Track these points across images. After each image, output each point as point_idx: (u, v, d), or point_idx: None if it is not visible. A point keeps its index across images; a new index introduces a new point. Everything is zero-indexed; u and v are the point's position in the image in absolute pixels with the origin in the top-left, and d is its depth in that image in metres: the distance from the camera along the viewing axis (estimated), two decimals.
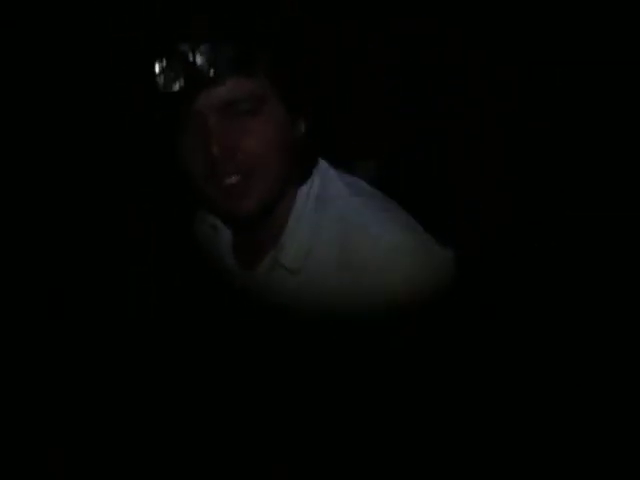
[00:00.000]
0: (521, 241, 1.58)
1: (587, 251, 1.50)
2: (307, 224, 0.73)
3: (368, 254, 0.67)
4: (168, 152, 0.70)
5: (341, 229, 0.71)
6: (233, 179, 0.66)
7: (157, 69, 0.56)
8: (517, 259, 1.56)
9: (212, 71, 0.59)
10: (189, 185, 0.71)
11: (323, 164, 0.78)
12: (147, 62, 0.56)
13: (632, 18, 1.49)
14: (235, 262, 0.82)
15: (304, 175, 0.75)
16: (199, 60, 0.58)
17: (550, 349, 1.37)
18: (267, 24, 0.63)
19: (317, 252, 0.72)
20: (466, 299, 0.71)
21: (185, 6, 0.57)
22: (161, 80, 0.58)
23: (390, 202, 0.76)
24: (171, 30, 0.58)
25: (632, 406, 1.27)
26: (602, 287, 1.42)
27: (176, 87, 0.58)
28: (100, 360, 1.30)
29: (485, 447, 0.68)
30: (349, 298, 0.68)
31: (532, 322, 1.41)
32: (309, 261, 0.72)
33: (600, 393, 1.21)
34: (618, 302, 1.39)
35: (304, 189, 0.75)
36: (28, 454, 1.09)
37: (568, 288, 1.47)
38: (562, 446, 1.11)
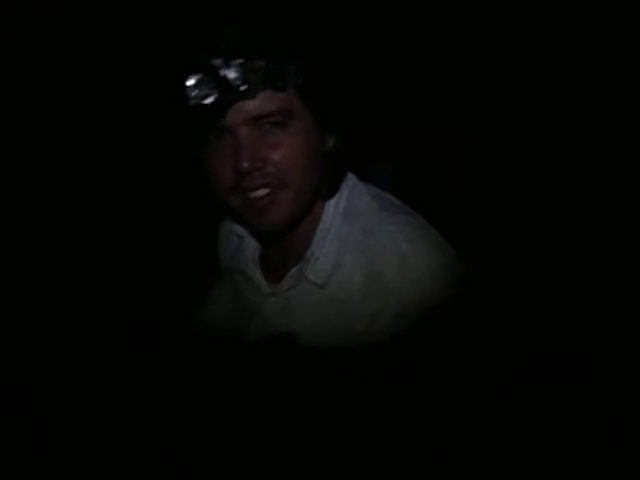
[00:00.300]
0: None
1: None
2: (334, 238, 0.73)
3: (395, 273, 0.67)
4: (192, 165, 0.70)
5: (368, 245, 0.70)
6: (260, 192, 0.66)
7: (189, 82, 0.56)
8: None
9: (244, 86, 0.59)
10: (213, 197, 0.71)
11: (351, 178, 0.77)
12: (179, 76, 0.56)
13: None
14: (261, 273, 0.82)
15: (332, 189, 0.74)
16: (231, 75, 0.58)
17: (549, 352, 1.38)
18: (298, 39, 0.63)
19: (343, 267, 0.72)
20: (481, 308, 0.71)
21: (218, 21, 0.57)
22: (193, 94, 0.57)
23: (417, 217, 0.75)
24: (204, 45, 0.58)
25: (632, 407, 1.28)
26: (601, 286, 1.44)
27: (208, 101, 0.57)
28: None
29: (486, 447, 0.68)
30: (374, 315, 0.68)
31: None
32: (335, 276, 0.72)
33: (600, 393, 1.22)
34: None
35: (332, 203, 0.75)
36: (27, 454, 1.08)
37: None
38: (562, 446, 1.12)
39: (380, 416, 0.69)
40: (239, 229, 0.86)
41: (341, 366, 0.70)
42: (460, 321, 0.69)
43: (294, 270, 0.76)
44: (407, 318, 0.66)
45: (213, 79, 0.56)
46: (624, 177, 1.52)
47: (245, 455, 0.77)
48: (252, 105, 0.62)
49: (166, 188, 1.74)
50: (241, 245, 0.86)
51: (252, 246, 0.85)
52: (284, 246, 0.79)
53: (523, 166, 1.75)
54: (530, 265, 1.59)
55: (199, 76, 0.56)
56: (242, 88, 0.59)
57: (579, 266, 1.55)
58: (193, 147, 0.67)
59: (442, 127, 1.79)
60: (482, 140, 1.82)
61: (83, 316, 1.49)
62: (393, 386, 0.69)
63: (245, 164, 0.63)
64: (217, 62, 0.57)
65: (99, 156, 1.78)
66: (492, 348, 0.71)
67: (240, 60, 0.58)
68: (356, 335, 0.69)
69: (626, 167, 1.54)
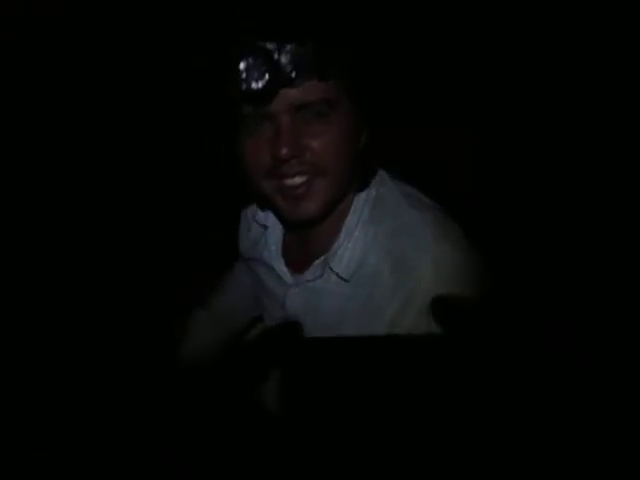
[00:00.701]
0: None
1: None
2: (362, 233, 0.74)
3: (424, 270, 0.67)
4: (224, 149, 0.70)
5: (396, 242, 0.71)
6: (297, 180, 0.67)
7: (242, 66, 0.56)
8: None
9: (294, 72, 0.59)
10: (242, 183, 0.71)
11: (382, 174, 0.78)
12: (231, 59, 0.56)
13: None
14: (284, 263, 0.82)
15: (363, 183, 0.75)
16: (283, 59, 0.58)
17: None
18: (348, 31, 0.63)
19: (369, 262, 0.72)
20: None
21: (271, 6, 0.58)
22: (244, 77, 0.58)
23: (445, 215, 0.76)
24: (256, 28, 0.58)
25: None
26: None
27: (258, 85, 0.58)
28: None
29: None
30: (400, 310, 0.68)
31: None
32: (361, 270, 0.72)
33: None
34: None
35: (361, 197, 0.75)
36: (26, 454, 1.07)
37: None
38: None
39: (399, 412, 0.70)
40: (262, 218, 0.86)
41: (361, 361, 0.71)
42: (485, 318, 0.70)
43: (319, 261, 0.76)
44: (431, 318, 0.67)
45: (266, 62, 0.57)
46: (625, 176, 1.56)
47: (251, 453, 0.77)
48: (296, 93, 0.62)
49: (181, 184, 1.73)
50: (264, 235, 0.86)
51: (276, 236, 0.85)
52: (310, 237, 0.79)
53: (523, 166, 1.78)
54: (530, 265, 1.61)
55: (253, 59, 0.56)
56: (292, 74, 0.59)
57: (580, 267, 1.58)
58: (230, 133, 0.68)
59: (442, 127, 1.82)
60: (482, 140, 1.85)
61: (82, 312, 1.47)
62: (418, 381, 0.70)
63: (284, 151, 0.63)
64: (271, 46, 0.57)
65: (99, 159, 1.77)
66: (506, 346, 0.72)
67: (292, 46, 0.59)
68: (380, 331, 0.69)
69: (626, 166, 1.58)
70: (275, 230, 0.85)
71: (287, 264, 0.83)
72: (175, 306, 1.20)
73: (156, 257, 1.71)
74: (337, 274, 0.74)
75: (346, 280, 0.73)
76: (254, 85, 0.58)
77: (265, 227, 0.85)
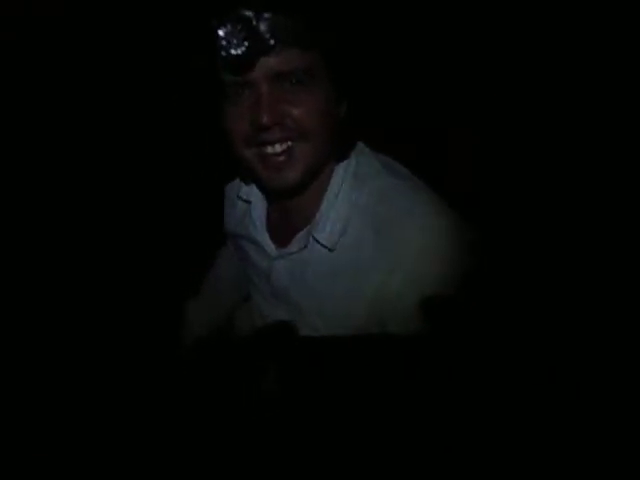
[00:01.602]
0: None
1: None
2: (343, 202, 0.74)
3: (406, 237, 0.67)
4: (205, 118, 0.69)
5: (378, 210, 0.71)
6: (278, 147, 0.67)
7: (221, 32, 0.56)
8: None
9: (272, 40, 0.59)
10: (225, 153, 0.70)
11: (361, 145, 0.78)
12: (211, 25, 0.55)
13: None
14: (268, 237, 0.82)
15: (343, 154, 0.75)
16: (262, 27, 0.58)
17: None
18: (330, 4, 0.63)
19: (353, 231, 0.72)
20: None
21: None
22: (223, 43, 0.57)
23: (423, 185, 0.76)
24: None
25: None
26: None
27: (237, 52, 0.57)
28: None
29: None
30: (385, 278, 0.67)
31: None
32: (345, 239, 0.72)
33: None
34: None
35: (341, 166, 0.75)
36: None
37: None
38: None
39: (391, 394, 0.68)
40: (246, 193, 0.87)
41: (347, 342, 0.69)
42: (472, 284, 0.68)
43: (303, 232, 0.76)
44: (418, 282, 0.66)
45: (245, 29, 0.56)
46: (625, 175, 1.54)
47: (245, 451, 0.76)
48: (276, 61, 0.62)
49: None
50: (248, 209, 0.86)
51: (259, 209, 0.85)
52: (292, 208, 0.79)
53: (524, 166, 1.76)
54: (530, 264, 1.59)
55: (232, 26, 0.56)
56: (271, 42, 0.59)
57: (580, 267, 1.56)
58: (211, 101, 0.67)
59: (442, 127, 1.81)
60: (482, 140, 1.84)
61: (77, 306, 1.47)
62: (404, 356, 0.68)
63: (265, 118, 0.63)
64: (250, 13, 0.57)
65: (98, 157, 1.78)
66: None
67: (271, 14, 0.58)
68: (366, 298, 0.69)
69: (626, 164, 1.56)
70: (258, 204, 0.85)
71: (272, 238, 0.83)
72: (174, 298, 1.20)
73: (153, 248, 1.71)
74: (321, 244, 0.74)
75: (330, 249, 0.73)
76: (233, 52, 0.58)
77: (249, 202, 0.85)
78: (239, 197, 0.88)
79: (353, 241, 0.72)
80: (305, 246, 0.76)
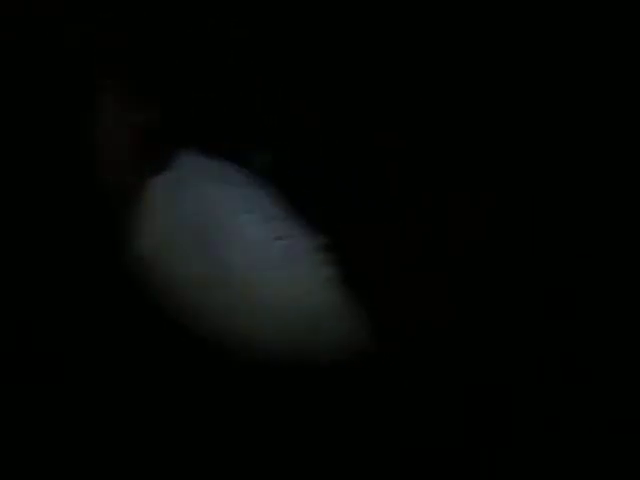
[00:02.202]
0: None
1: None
2: (162, 214, 0.76)
3: (224, 248, 0.71)
4: None
5: (196, 220, 0.74)
6: None
7: None
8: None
9: None
10: None
11: (184, 153, 0.79)
12: None
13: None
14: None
15: (160, 165, 0.77)
16: None
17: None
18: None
19: (174, 242, 0.75)
20: None
21: None
22: None
23: (257, 190, 0.78)
24: None
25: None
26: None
27: None
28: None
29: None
30: (208, 293, 0.72)
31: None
32: (165, 250, 0.76)
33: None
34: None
35: (160, 179, 0.77)
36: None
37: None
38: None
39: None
40: None
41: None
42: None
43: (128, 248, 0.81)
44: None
45: None
46: (626, 174, 1.55)
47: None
48: None
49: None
50: None
51: None
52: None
53: (524, 166, 1.77)
54: (531, 263, 1.60)
55: None
56: None
57: (581, 267, 1.58)
58: None
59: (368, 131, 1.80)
60: (408, 145, 1.83)
61: None
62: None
63: None
64: None
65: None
66: None
67: None
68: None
69: (627, 163, 1.57)
70: None
71: None
72: None
73: None
74: (142, 258, 0.78)
75: (152, 262, 0.78)
76: None
77: None
78: None
79: (175, 252, 0.76)
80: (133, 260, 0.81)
